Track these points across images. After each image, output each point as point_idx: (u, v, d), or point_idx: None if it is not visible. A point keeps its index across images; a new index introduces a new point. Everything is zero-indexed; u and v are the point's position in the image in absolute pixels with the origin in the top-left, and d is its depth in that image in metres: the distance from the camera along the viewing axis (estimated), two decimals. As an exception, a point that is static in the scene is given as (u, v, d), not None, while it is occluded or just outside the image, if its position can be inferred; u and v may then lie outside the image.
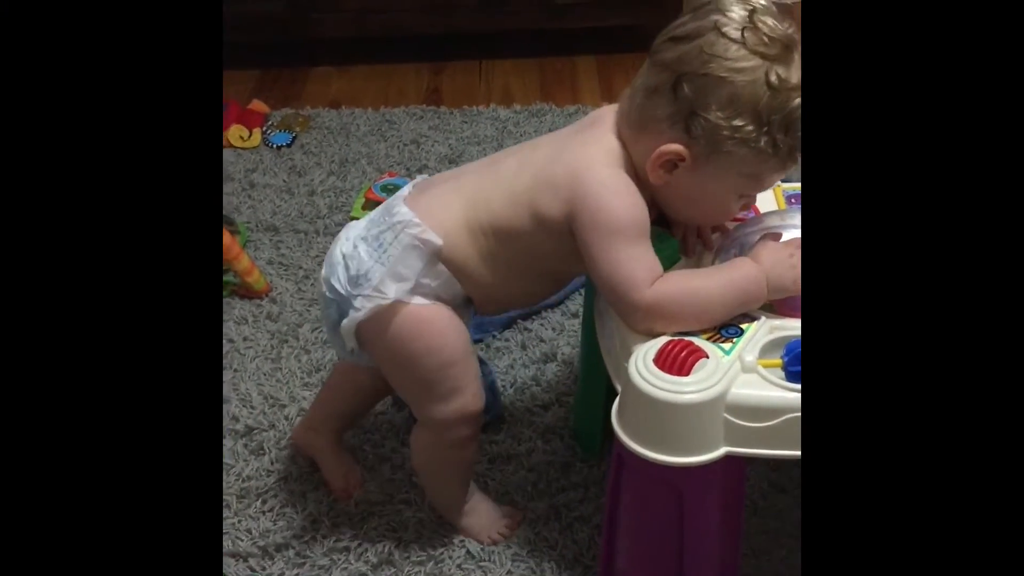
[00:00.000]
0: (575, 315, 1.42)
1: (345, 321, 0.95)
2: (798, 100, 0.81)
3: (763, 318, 0.84)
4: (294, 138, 1.88)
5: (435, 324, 0.96)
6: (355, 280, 0.94)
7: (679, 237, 0.95)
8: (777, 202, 1.03)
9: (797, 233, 0.94)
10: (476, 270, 0.95)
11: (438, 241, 0.93)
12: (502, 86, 2.09)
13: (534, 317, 1.42)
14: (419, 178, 1.03)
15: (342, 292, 0.96)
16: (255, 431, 1.26)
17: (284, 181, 1.77)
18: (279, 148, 1.86)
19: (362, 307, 0.94)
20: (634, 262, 0.85)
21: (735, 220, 0.98)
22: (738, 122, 0.81)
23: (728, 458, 0.78)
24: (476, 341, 1.37)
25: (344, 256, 0.96)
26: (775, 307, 0.86)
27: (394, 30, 2.13)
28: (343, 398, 1.17)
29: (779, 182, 1.06)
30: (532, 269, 0.97)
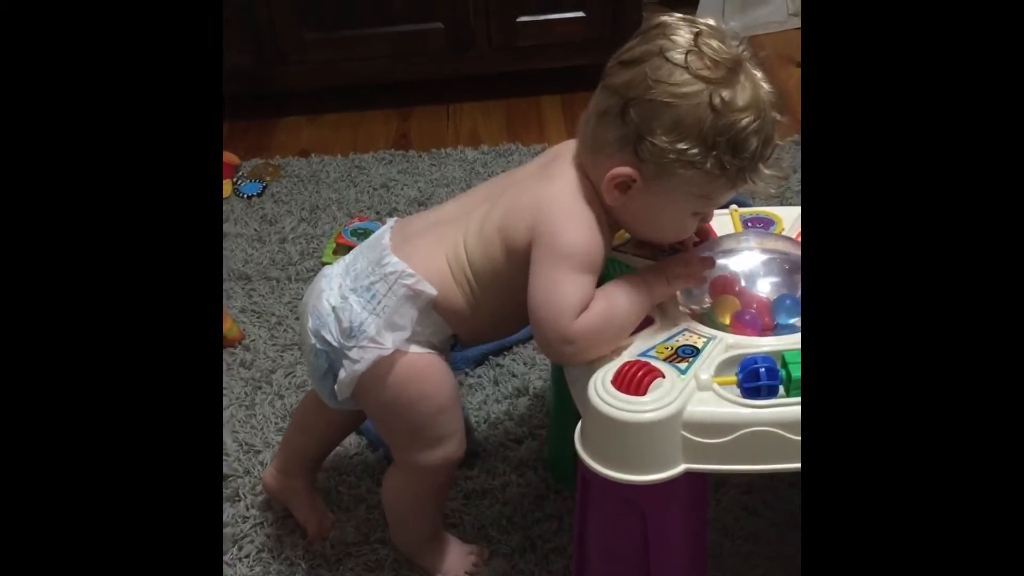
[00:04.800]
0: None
1: (343, 374, 0.95)
2: (745, 121, 0.82)
3: (719, 336, 0.85)
4: (264, 187, 1.90)
5: (430, 372, 0.97)
6: (348, 332, 0.94)
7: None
8: (734, 225, 1.06)
9: (753, 256, 0.96)
10: (466, 314, 0.97)
11: (433, 292, 0.94)
12: (469, 128, 2.12)
13: (505, 353, 1.43)
14: (391, 221, 1.03)
15: (334, 344, 0.95)
16: (230, 478, 1.26)
17: (255, 230, 1.78)
18: (250, 198, 1.88)
19: (360, 358, 0.94)
20: (569, 288, 0.86)
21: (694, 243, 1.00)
22: (683, 145, 0.82)
23: (688, 475, 0.79)
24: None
25: (334, 308, 0.96)
26: (731, 326, 0.88)
27: (362, 78, 2.16)
28: (314, 436, 1.16)
29: (735, 207, 1.09)
30: (518, 310, 0.95)
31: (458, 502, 1.20)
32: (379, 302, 0.94)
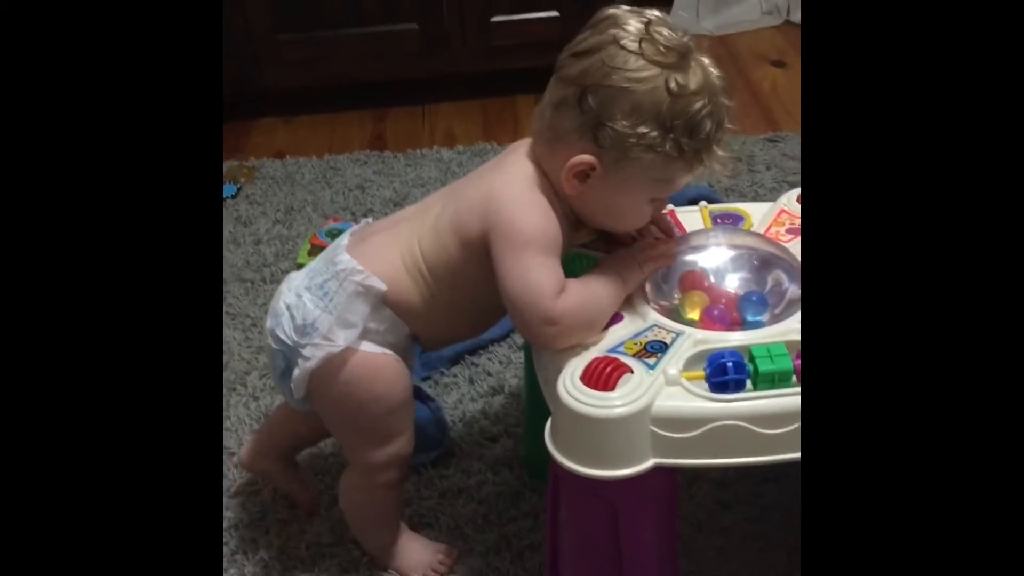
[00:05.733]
0: (521, 347, 1.43)
1: (297, 372, 0.96)
2: (699, 104, 0.84)
3: (687, 332, 0.86)
4: (239, 189, 1.90)
5: (384, 372, 0.97)
6: (302, 330, 0.95)
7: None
8: (704, 221, 1.06)
9: (722, 251, 0.97)
10: (420, 311, 0.97)
11: (382, 287, 0.95)
12: (445, 128, 2.12)
13: (480, 351, 1.43)
14: (357, 226, 1.05)
15: (288, 343, 0.96)
16: (204, 480, 1.25)
17: (230, 232, 1.77)
18: (224, 200, 1.87)
19: (312, 356, 0.94)
20: (542, 272, 0.87)
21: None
22: (642, 129, 0.84)
23: (658, 469, 0.79)
24: (424, 378, 1.38)
25: (288, 307, 0.97)
26: (699, 321, 0.88)
27: (337, 80, 2.16)
28: (289, 435, 1.16)
29: (705, 203, 1.09)
30: (474, 304, 0.99)
31: (433, 501, 1.20)
32: (331, 299, 0.95)
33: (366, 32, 2.09)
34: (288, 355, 0.97)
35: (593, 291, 0.88)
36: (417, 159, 1.98)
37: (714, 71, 0.87)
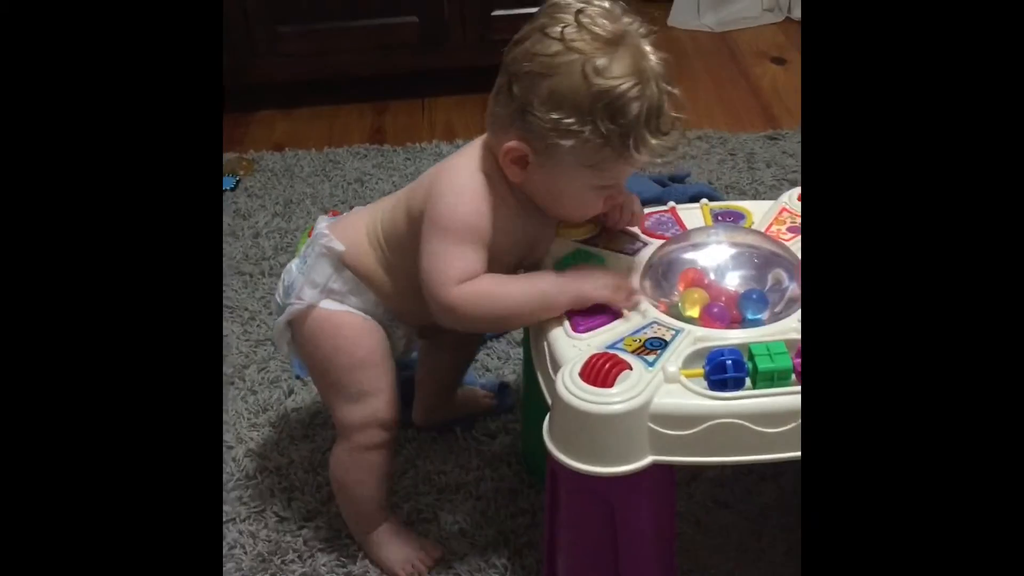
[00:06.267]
0: (519, 343, 1.43)
1: (275, 324, 1.05)
2: (623, 87, 0.83)
3: (687, 329, 0.86)
4: (238, 182, 1.89)
5: (344, 327, 1.02)
6: (287, 291, 1.04)
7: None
8: (704, 219, 1.06)
9: (722, 249, 0.97)
10: (379, 278, 1.02)
11: (340, 247, 1.00)
12: (444, 122, 2.12)
13: (479, 347, 1.43)
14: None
15: (279, 303, 1.05)
16: (201, 473, 1.25)
17: (228, 224, 1.77)
18: (223, 192, 1.86)
19: (286, 312, 1.03)
20: (450, 258, 0.91)
21: (660, 238, 1.00)
22: (557, 115, 0.84)
23: (656, 466, 0.79)
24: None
25: (284, 272, 1.06)
26: (699, 319, 0.88)
27: (336, 72, 2.15)
28: (434, 379, 1.25)
29: (706, 200, 1.09)
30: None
31: (432, 497, 1.20)
32: (306, 263, 1.02)
33: (366, 25, 2.08)
34: (279, 315, 1.05)
35: (505, 290, 0.91)
36: (416, 152, 1.98)
37: (651, 57, 0.86)
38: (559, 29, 0.84)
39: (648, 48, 0.86)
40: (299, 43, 2.09)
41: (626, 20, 0.86)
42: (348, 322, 1.02)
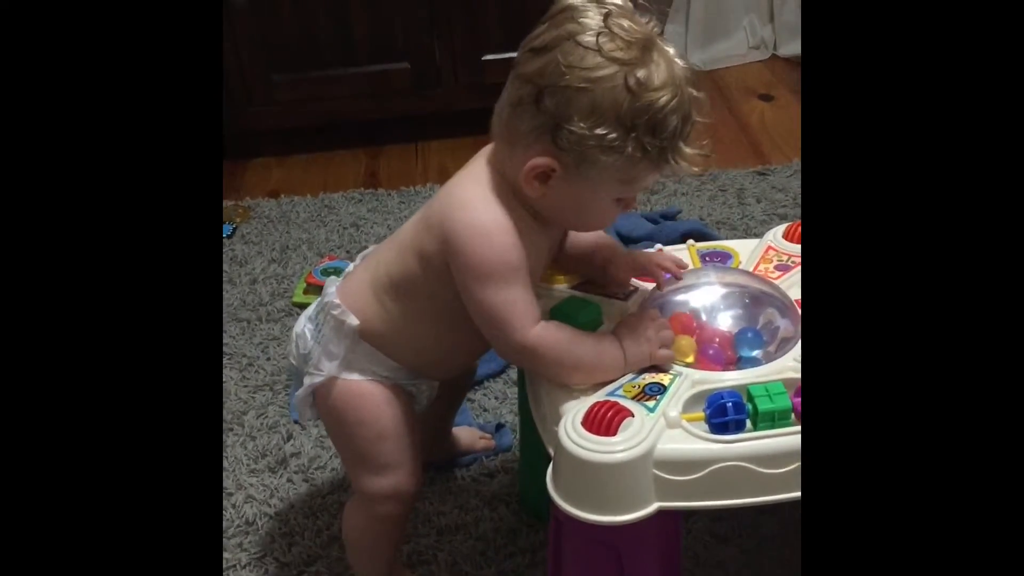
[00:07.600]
0: (516, 383, 1.44)
1: (293, 399, 1.03)
2: (663, 99, 0.80)
3: (684, 373, 0.87)
4: (234, 229, 1.90)
5: (368, 399, 0.99)
6: (304, 358, 1.01)
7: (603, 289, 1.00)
8: (692, 260, 1.05)
9: (713, 290, 0.97)
10: (395, 344, 0.98)
11: (354, 322, 0.96)
12: (438, 165, 2.14)
13: (477, 387, 1.44)
14: (360, 257, 1.06)
15: (296, 367, 1.03)
16: (203, 522, 1.25)
17: (225, 271, 1.78)
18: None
19: (305, 384, 1.00)
20: (510, 306, 0.87)
21: (650, 281, 1.00)
22: (601, 131, 0.81)
23: (661, 513, 0.80)
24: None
25: (297, 336, 1.02)
26: (695, 361, 0.89)
27: (330, 119, 2.18)
28: (432, 419, 1.20)
29: (692, 242, 1.09)
30: (441, 321, 0.96)
31: (431, 538, 1.20)
32: (320, 331, 0.99)
33: (358, 72, 2.11)
34: (301, 378, 1.03)
35: (572, 342, 0.87)
36: (411, 196, 1.99)
37: (679, 61, 0.83)
38: (592, 38, 0.80)
39: (672, 51, 0.83)
40: (293, 91, 2.11)
41: (644, 19, 0.83)
42: (370, 392, 0.98)
